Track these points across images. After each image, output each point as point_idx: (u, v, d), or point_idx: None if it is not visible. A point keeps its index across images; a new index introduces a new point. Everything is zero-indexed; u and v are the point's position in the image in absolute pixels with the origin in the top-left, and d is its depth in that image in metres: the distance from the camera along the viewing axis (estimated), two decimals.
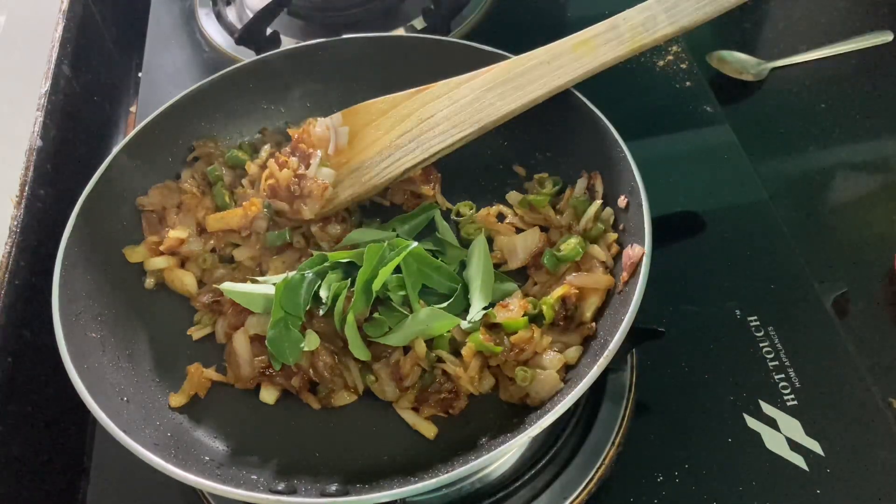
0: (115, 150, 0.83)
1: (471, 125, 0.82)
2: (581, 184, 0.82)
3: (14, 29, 1.09)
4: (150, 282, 0.82)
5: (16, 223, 0.87)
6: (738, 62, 1.15)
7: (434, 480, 0.59)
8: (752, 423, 0.76)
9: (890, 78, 1.14)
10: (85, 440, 0.87)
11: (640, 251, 0.70)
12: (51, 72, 1.03)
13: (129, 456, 0.61)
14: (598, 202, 0.79)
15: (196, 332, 0.79)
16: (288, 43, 1.13)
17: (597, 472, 0.73)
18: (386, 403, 0.72)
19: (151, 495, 0.76)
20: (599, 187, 0.80)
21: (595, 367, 0.62)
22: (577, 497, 0.72)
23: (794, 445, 0.74)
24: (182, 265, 0.83)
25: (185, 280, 0.81)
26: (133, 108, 1.26)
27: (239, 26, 1.19)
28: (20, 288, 0.84)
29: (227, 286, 0.76)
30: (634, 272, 0.69)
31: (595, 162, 0.81)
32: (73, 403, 0.66)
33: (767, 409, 0.77)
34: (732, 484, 0.73)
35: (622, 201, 0.76)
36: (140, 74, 1.19)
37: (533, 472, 0.73)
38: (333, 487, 0.65)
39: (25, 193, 0.89)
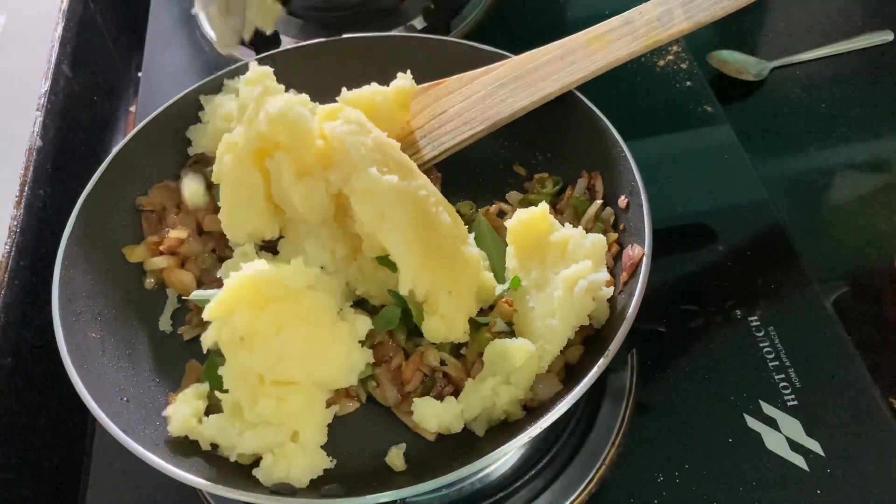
0: (115, 150, 0.83)
1: (481, 122, 0.82)
2: (581, 184, 0.82)
3: (14, 29, 1.09)
4: (150, 282, 0.82)
5: (16, 223, 0.87)
6: (739, 62, 1.15)
7: (434, 480, 0.59)
8: (752, 423, 0.76)
9: (890, 78, 1.14)
10: (85, 440, 0.87)
11: (640, 251, 0.70)
12: (51, 72, 1.03)
13: (129, 456, 0.61)
14: (599, 202, 0.79)
15: (186, 332, 0.79)
16: (288, 43, 1.13)
17: (597, 472, 0.73)
18: None
19: (151, 495, 0.76)
20: (599, 187, 0.80)
21: (595, 367, 0.62)
22: (577, 497, 0.72)
23: (794, 445, 0.74)
24: (182, 265, 0.83)
25: (185, 280, 0.81)
26: (133, 108, 1.26)
27: None
28: (20, 288, 0.84)
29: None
30: (634, 272, 0.69)
31: (595, 162, 0.81)
32: (73, 403, 0.66)
33: (767, 409, 0.77)
34: (732, 484, 0.72)
35: (622, 201, 0.76)
36: (140, 74, 1.19)
37: (533, 472, 0.73)
38: (333, 487, 0.64)
39: (25, 193, 0.89)
